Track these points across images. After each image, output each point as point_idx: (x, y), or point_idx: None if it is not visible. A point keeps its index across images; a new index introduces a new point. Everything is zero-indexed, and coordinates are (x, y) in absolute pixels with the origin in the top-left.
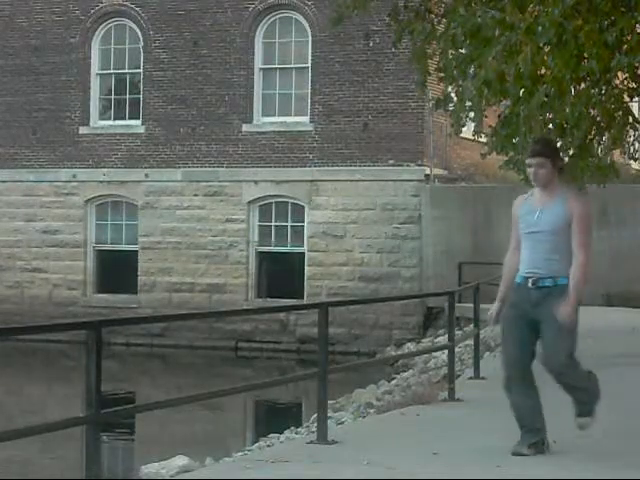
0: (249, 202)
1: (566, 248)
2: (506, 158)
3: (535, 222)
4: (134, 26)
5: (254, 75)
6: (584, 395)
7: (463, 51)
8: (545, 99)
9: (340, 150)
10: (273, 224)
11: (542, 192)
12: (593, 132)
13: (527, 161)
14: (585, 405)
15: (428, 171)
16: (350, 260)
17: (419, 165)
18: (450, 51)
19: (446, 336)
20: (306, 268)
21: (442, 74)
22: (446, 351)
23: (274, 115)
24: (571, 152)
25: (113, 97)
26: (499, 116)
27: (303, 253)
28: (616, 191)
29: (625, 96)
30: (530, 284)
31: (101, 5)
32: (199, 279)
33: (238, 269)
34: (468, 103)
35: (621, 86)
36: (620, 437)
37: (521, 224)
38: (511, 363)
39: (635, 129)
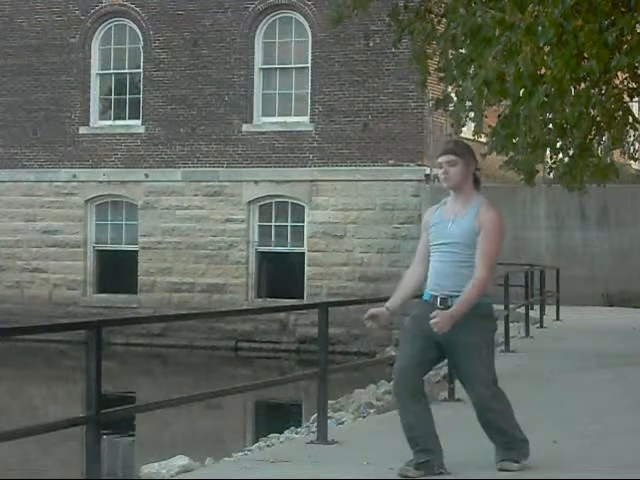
0: (249, 202)
1: (465, 264)
2: (506, 158)
3: (447, 233)
4: (134, 26)
5: (254, 75)
6: (509, 439)
7: (463, 51)
8: (545, 99)
9: (340, 150)
10: (273, 224)
11: (455, 200)
12: (593, 132)
13: (438, 160)
14: (512, 451)
15: (428, 171)
16: (350, 260)
17: (419, 165)
18: (450, 51)
19: None
20: (306, 268)
21: (442, 74)
22: None
23: (274, 115)
24: (571, 152)
25: (113, 97)
26: (499, 116)
27: (303, 253)
28: (616, 191)
29: (625, 96)
30: (438, 303)
31: (101, 5)
32: (199, 279)
33: (238, 269)
34: (468, 103)
35: (621, 86)
36: (620, 437)
37: (431, 235)
38: (400, 379)
39: (635, 129)
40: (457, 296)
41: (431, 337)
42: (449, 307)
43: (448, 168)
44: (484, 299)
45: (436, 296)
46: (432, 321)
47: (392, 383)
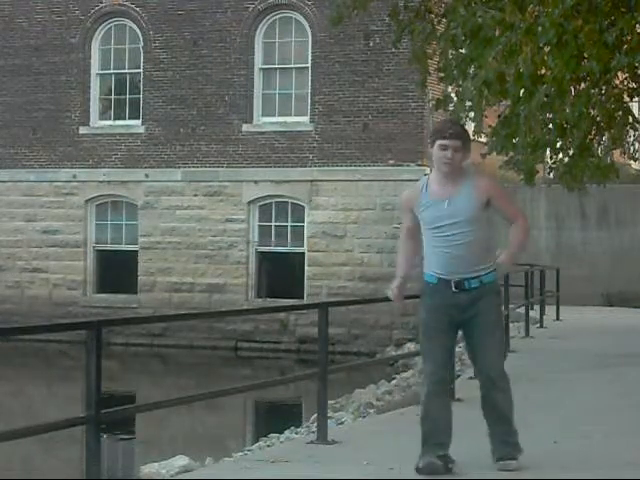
0: (249, 202)
1: (483, 238)
2: (506, 158)
3: (446, 214)
4: (134, 26)
5: (254, 75)
6: (508, 428)
7: (463, 51)
8: (545, 99)
9: (340, 150)
10: (273, 224)
11: (445, 181)
12: (593, 132)
13: (442, 142)
14: (508, 445)
15: (428, 171)
16: (350, 260)
17: (419, 165)
18: (450, 51)
19: None
20: (306, 268)
21: (442, 74)
22: None
23: (274, 115)
24: (571, 152)
25: (113, 97)
26: (499, 116)
27: (303, 253)
28: (616, 191)
29: (625, 96)
30: (454, 287)
31: (101, 5)
32: (199, 279)
33: (238, 269)
34: (468, 103)
35: (621, 86)
36: (620, 437)
37: (426, 217)
38: (437, 373)
39: (635, 129)
40: (473, 277)
41: (452, 322)
42: (465, 290)
43: (455, 154)
44: (496, 275)
45: (449, 280)
46: (500, 261)
47: (426, 376)
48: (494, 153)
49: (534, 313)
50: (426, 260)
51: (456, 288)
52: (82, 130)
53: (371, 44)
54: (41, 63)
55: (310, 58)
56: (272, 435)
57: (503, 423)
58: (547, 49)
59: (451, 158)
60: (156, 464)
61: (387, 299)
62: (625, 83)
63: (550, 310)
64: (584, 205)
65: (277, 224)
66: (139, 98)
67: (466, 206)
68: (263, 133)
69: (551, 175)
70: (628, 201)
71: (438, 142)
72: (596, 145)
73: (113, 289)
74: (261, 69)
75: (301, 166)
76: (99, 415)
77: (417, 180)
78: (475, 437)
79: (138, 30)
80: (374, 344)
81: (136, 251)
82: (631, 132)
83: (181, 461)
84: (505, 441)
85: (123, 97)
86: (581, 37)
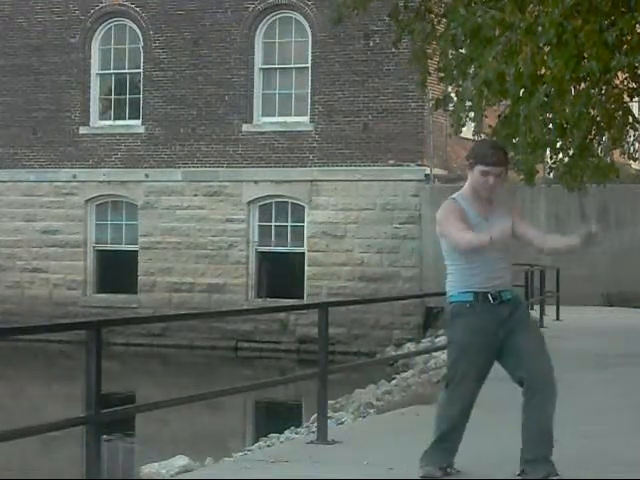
0: (249, 202)
1: (510, 260)
2: None
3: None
4: (134, 26)
5: (254, 75)
6: (550, 439)
7: (463, 51)
8: (545, 99)
9: (340, 150)
10: (273, 224)
11: (480, 201)
12: (593, 132)
13: (486, 169)
14: (546, 456)
15: (428, 171)
16: (350, 260)
17: (419, 165)
18: (450, 51)
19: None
20: (306, 268)
21: (442, 74)
22: (446, 351)
23: (274, 115)
24: (571, 152)
25: (113, 97)
26: (499, 116)
27: (303, 253)
28: (616, 191)
29: (625, 96)
30: (491, 300)
31: (101, 5)
32: (199, 279)
33: (238, 269)
34: (468, 103)
35: (621, 86)
36: (620, 437)
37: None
38: (472, 394)
39: (635, 129)
40: (506, 290)
41: (493, 340)
42: (503, 301)
43: (496, 180)
44: None
45: (487, 293)
46: (595, 233)
47: (461, 395)
48: None
49: (534, 313)
50: (458, 278)
51: (494, 300)
52: (82, 130)
53: (371, 44)
54: (41, 63)
55: (310, 58)
56: (272, 435)
57: (548, 432)
58: (547, 49)
59: (492, 185)
60: (156, 464)
61: (387, 299)
62: (625, 83)
63: (550, 310)
64: (584, 205)
65: (277, 224)
66: (139, 98)
67: (504, 224)
68: (263, 133)
69: (551, 175)
70: (628, 201)
71: (480, 167)
72: (596, 145)
73: (113, 289)
74: (261, 69)
75: (301, 166)
76: (99, 415)
77: (417, 180)
78: (474, 437)
79: (138, 30)
80: (374, 344)
81: (136, 251)
82: (631, 132)
83: (181, 461)
84: (547, 458)
85: (123, 97)
86: (581, 37)
